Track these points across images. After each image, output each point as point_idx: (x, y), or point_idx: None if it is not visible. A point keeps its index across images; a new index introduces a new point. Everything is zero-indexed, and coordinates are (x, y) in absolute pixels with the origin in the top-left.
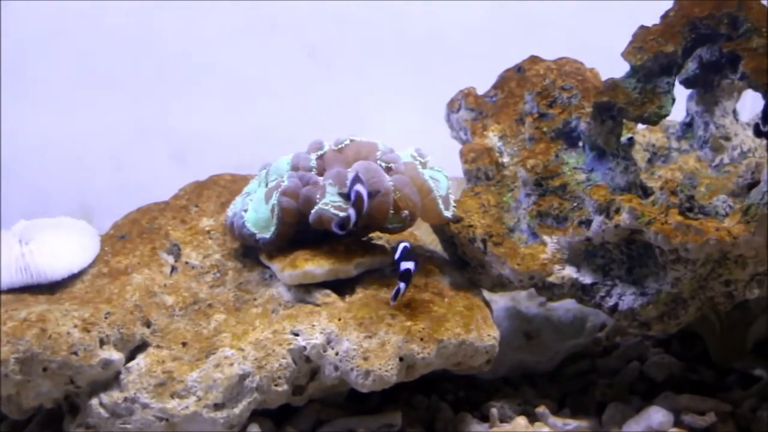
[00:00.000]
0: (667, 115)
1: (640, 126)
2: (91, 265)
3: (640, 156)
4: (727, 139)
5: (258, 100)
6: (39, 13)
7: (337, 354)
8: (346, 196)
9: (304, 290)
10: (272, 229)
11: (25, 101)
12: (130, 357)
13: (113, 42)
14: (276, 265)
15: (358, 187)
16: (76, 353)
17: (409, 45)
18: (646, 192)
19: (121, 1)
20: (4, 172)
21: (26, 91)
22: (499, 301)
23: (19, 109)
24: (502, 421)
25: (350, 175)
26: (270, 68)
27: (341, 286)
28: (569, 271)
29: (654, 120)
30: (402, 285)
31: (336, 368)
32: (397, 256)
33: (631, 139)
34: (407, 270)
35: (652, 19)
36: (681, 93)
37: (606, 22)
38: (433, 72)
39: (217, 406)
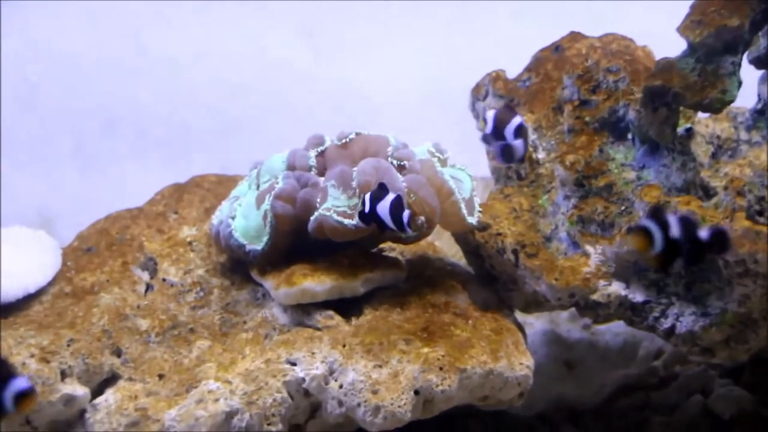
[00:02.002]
0: (732, 101)
1: (701, 114)
2: (50, 284)
3: (701, 150)
4: None
5: (252, 87)
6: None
7: (341, 387)
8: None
9: (303, 311)
10: (265, 239)
11: None
12: (98, 392)
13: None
14: (269, 282)
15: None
16: None
17: (425, 19)
18: (708, 192)
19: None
20: None
21: None
22: (535, 323)
23: None
24: None
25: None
26: (264, 50)
27: (346, 307)
28: (616, 288)
29: (716, 107)
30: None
31: (340, 403)
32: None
33: (689, 130)
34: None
35: None
36: (751, 75)
37: None
38: (454, 52)
39: None
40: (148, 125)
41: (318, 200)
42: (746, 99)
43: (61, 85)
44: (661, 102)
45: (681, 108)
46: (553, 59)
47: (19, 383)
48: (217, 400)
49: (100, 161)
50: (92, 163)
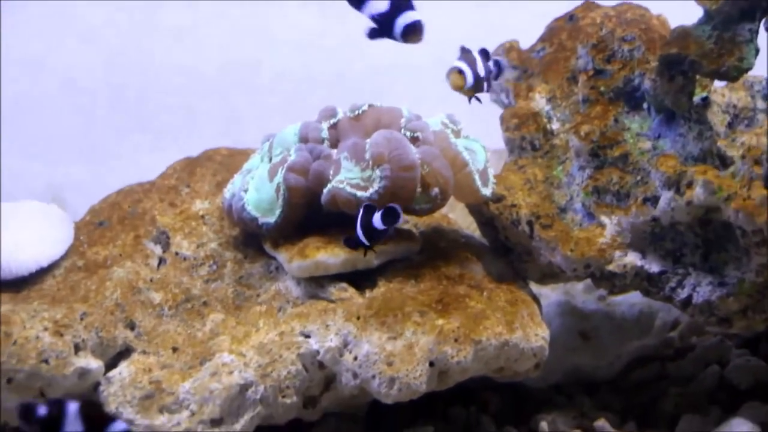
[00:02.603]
0: (749, 68)
1: (717, 83)
2: (63, 258)
3: (718, 119)
4: None
5: (262, 61)
6: None
7: (355, 359)
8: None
9: (317, 284)
10: (277, 212)
11: None
12: (111, 365)
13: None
14: (283, 255)
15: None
16: (46, 361)
17: None
18: (724, 162)
19: None
20: None
21: None
22: (550, 294)
23: None
24: None
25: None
26: (274, 23)
27: (360, 279)
28: (632, 258)
29: (733, 75)
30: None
31: (355, 375)
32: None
33: (706, 99)
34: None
35: None
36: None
37: None
38: (466, 23)
39: (214, 422)
40: (157, 101)
41: (331, 172)
42: (763, 67)
43: (70, 64)
44: (677, 70)
45: (697, 76)
46: (567, 29)
47: (118, 426)
48: (231, 372)
49: (109, 138)
50: (101, 141)
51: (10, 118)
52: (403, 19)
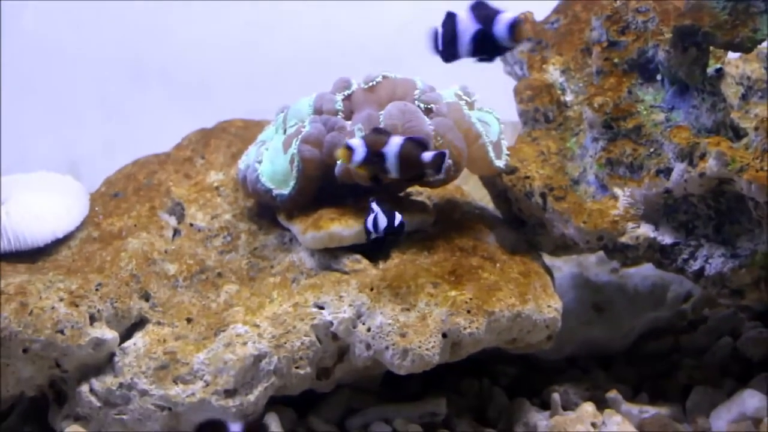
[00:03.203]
0: (763, 39)
1: (731, 55)
2: (78, 229)
3: (731, 91)
4: None
5: (274, 31)
6: None
7: (369, 330)
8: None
9: (330, 255)
10: (292, 183)
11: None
12: (126, 336)
13: None
14: (297, 227)
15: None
16: (62, 332)
17: None
18: (738, 133)
19: None
20: None
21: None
22: (563, 266)
23: None
24: (565, 408)
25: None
26: None
27: (374, 251)
28: (645, 230)
29: (747, 46)
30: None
31: (368, 347)
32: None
33: (719, 71)
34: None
35: None
36: None
37: None
38: None
39: (228, 393)
40: (173, 73)
41: None
42: None
43: (86, 34)
44: (691, 42)
45: (711, 48)
46: (581, 0)
47: None
48: (245, 343)
49: (126, 109)
50: (117, 112)
51: (25, 92)
52: (502, 23)
